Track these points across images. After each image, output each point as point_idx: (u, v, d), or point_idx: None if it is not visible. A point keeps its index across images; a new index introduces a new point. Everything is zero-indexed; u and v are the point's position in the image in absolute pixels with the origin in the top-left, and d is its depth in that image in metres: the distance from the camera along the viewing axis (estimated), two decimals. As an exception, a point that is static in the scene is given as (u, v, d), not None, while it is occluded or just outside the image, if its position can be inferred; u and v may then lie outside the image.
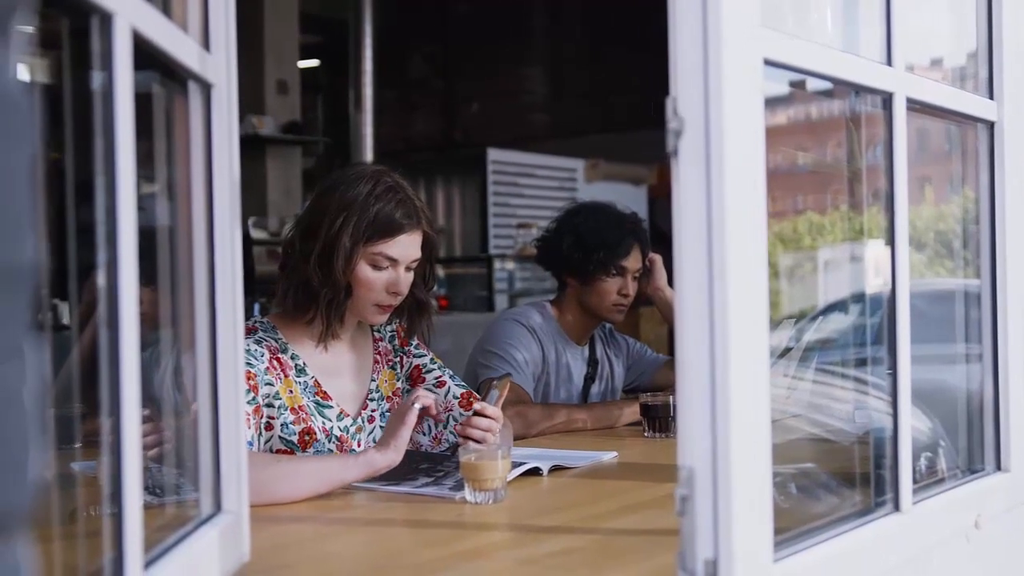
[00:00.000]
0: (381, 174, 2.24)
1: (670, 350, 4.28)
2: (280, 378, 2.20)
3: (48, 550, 0.98)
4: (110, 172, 1.01)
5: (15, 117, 0.58)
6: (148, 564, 1.10)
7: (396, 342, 2.44)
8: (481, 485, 1.88)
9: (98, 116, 1.01)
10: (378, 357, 2.40)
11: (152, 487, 1.35)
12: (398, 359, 2.44)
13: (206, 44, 1.36)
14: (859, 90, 1.57)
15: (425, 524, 1.77)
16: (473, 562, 1.56)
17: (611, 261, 3.01)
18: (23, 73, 0.61)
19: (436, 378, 2.41)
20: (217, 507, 1.38)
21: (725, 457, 1.17)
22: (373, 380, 2.37)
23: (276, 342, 2.24)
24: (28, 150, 0.60)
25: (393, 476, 2.04)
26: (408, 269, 2.25)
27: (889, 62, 1.52)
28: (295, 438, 2.18)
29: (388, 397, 2.38)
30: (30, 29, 0.64)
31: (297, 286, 2.22)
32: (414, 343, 2.46)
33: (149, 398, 1.16)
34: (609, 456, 2.38)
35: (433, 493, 1.95)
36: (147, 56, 1.12)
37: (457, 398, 2.38)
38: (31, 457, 0.59)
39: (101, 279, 1.01)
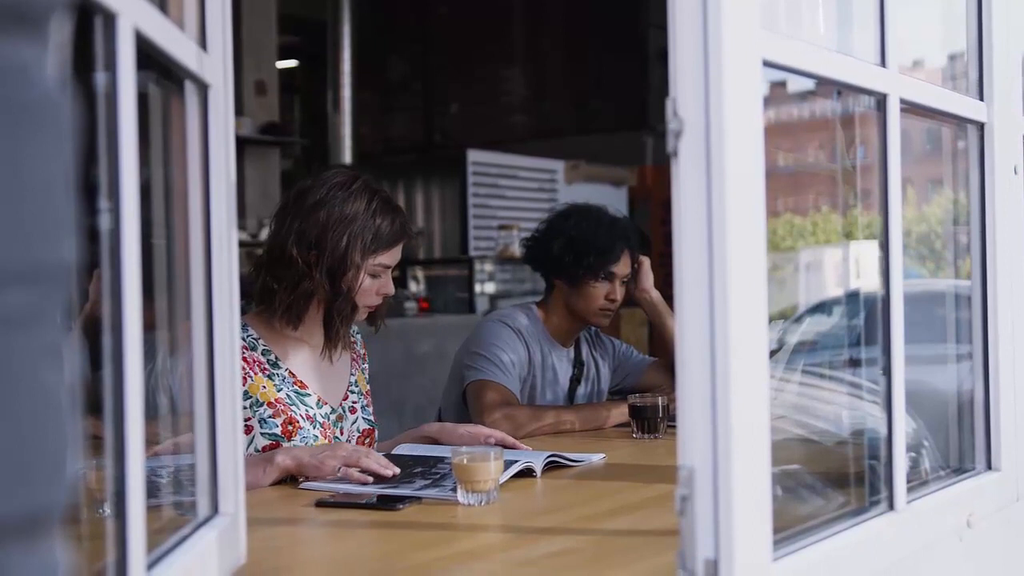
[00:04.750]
0: (368, 184, 2.34)
1: (651, 351, 4.29)
2: (251, 375, 2.25)
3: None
4: (113, 172, 1.00)
5: (55, 117, 0.58)
6: (149, 567, 1.09)
7: (362, 351, 2.56)
8: (474, 487, 1.87)
9: (101, 116, 1.00)
10: (354, 355, 2.50)
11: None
12: (365, 364, 2.56)
13: (203, 44, 1.35)
14: (854, 91, 1.58)
15: (419, 526, 1.77)
16: (470, 564, 1.56)
17: (601, 266, 3.01)
18: (61, 72, 0.61)
19: (355, 401, 2.49)
20: (214, 509, 1.38)
21: (726, 457, 1.17)
22: (352, 375, 2.47)
23: (244, 340, 2.27)
24: (68, 150, 0.59)
25: (389, 480, 2.04)
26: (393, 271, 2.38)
27: (883, 63, 1.53)
28: (278, 430, 2.24)
29: (365, 393, 2.49)
30: (69, 28, 0.64)
31: (302, 297, 2.29)
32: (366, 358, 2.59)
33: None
34: (598, 458, 2.38)
35: (436, 496, 1.94)
36: (144, 55, 1.12)
37: (359, 433, 2.46)
38: (68, 456, 0.59)
39: (104, 281, 1.00)
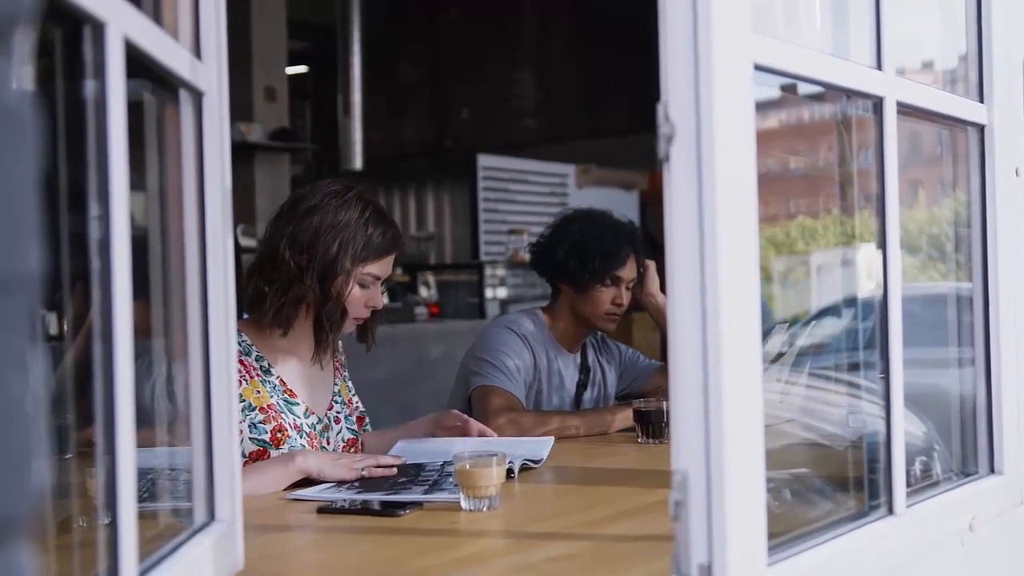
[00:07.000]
0: (362, 195, 2.38)
1: (662, 356, 4.28)
2: (246, 379, 2.28)
3: (42, 560, 0.98)
4: (103, 181, 1.00)
5: (18, 127, 0.58)
6: (143, 573, 1.09)
7: (343, 359, 2.58)
8: (476, 492, 1.87)
9: (91, 125, 1.01)
10: (337, 365, 2.53)
11: (144, 495, 1.34)
12: (346, 372, 2.57)
13: (197, 52, 1.35)
14: (850, 94, 1.58)
15: (420, 532, 1.77)
16: (469, 569, 1.55)
17: (607, 271, 3.00)
18: (25, 83, 0.61)
19: (339, 412, 2.50)
20: (211, 516, 1.38)
21: (719, 461, 1.17)
22: (335, 384, 2.49)
23: (239, 345, 2.28)
24: (31, 160, 0.60)
25: (380, 488, 2.04)
26: (383, 284, 2.41)
27: (879, 66, 1.53)
28: (267, 436, 2.26)
29: (348, 402, 2.51)
30: (32, 39, 0.64)
31: (292, 301, 2.30)
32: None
33: (141, 409, 1.16)
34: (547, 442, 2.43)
35: (443, 499, 1.94)
36: (137, 64, 1.12)
37: (343, 443, 2.48)
38: (34, 464, 0.59)
39: (94, 289, 1.00)
